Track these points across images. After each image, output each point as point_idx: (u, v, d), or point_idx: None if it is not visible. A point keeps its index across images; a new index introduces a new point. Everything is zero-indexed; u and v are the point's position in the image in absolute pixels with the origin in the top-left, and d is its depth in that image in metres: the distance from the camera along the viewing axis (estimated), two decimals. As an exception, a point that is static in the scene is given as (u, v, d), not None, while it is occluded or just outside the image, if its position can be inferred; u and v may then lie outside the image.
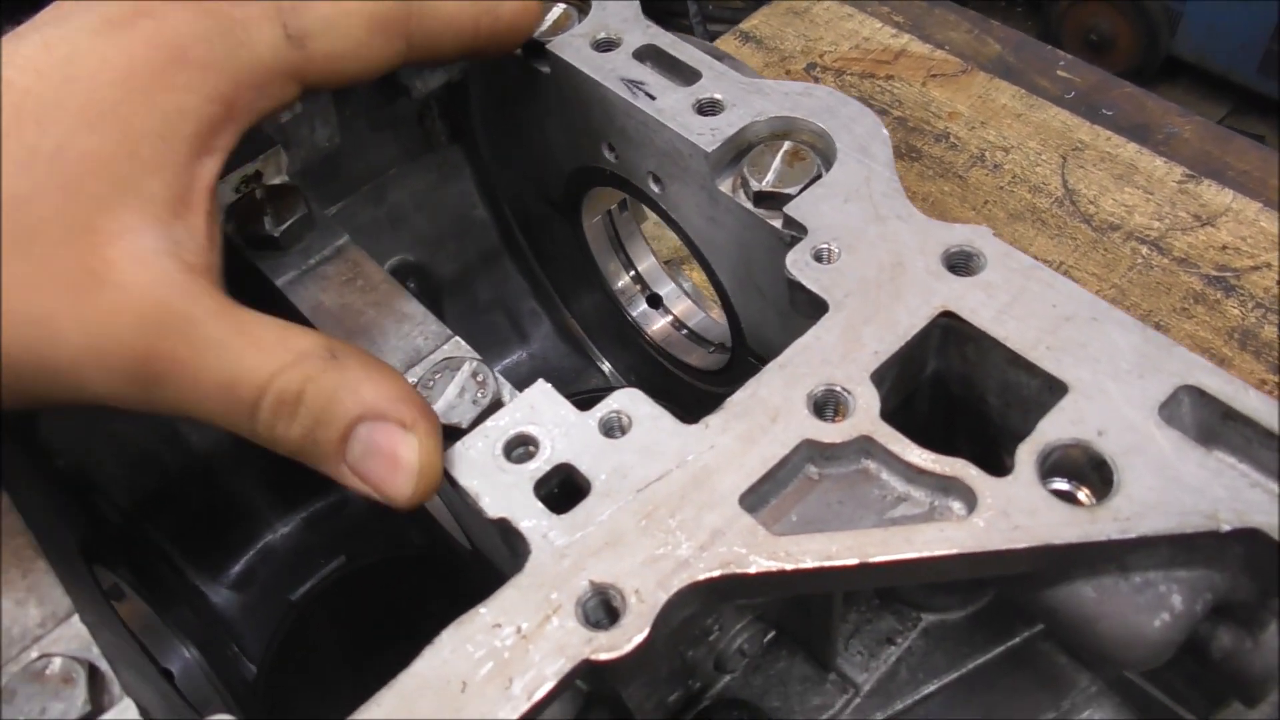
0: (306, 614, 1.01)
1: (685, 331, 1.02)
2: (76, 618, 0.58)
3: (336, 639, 1.05)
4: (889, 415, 0.61)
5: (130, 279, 0.54)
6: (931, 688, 0.69)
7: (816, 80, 1.77)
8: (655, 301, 1.04)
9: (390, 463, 0.58)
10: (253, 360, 0.56)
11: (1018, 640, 0.69)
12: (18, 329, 0.53)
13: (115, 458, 0.97)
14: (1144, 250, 1.48)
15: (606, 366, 1.14)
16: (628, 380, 1.13)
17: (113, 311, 0.54)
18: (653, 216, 0.87)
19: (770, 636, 0.70)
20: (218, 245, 0.61)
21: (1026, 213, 1.56)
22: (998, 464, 0.62)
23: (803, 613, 0.67)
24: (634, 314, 1.03)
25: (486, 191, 1.11)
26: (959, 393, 0.66)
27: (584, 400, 1.02)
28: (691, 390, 1.01)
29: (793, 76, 1.79)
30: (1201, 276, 1.45)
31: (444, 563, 1.03)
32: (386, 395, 0.58)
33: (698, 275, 1.04)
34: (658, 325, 1.03)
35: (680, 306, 1.03)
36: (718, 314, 1.01)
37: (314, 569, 1.05)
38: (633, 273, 1.03)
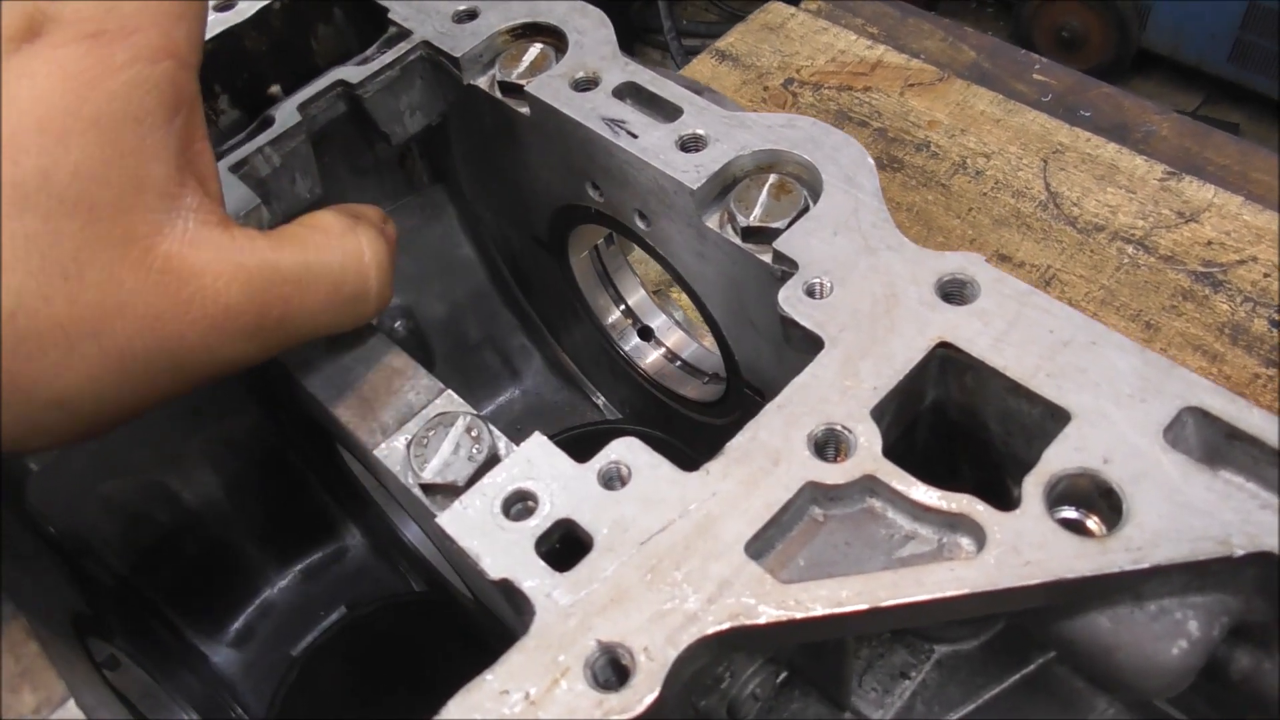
0: (310, 668, 1.00)
1: (679, 363, 1.02)
2: (72, 702, 0.57)
3: (342, 691, 1.03)
4: (890, 447, 0.60)
5: (197, 263, 0.57)
6: (948, 720, 0.68)
7: (795, 96, 1.77)
8: (647, 334, 1.03)
9: (392, 244, 0.72)
10: (337, 255, 0.64)
11: (1033, 667, 0.68)
12: (151, 356, 0.56)
13: (107, 520, 0.96)
14: (1130, 250, 1.48)
15: (601, 400, 1.14)
16: (623, 414, 1.12)
17: (204, 299, 0.57)
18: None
19: (783, 678, 0.69)
20: (219, 182, 0.64)
21: (1011, 218, 1.56)
22: (1003, 491, 0.61)
23: (815, 653, 0.66)
24: (626, 348, 1.02)
25: (471, 230, 1.10)
26: (960, 421, 0.65)
27: (580, 436, 1.02)
28: (688, 421, 1.00)
29: (770, 93, 1.79)
30: (1189, 273, 1.45)
31: (446, 607, 1.02)
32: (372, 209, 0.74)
33: (687, 302, 1.04)
34: (651, 358, 1.02)
35: (673, 338, 1.03)
36: (710, 343, 1.00)
37: (315, 621, 1.04)
38: (623, 307, 1.02)
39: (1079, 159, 1.60)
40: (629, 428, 1.07)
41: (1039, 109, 1.69)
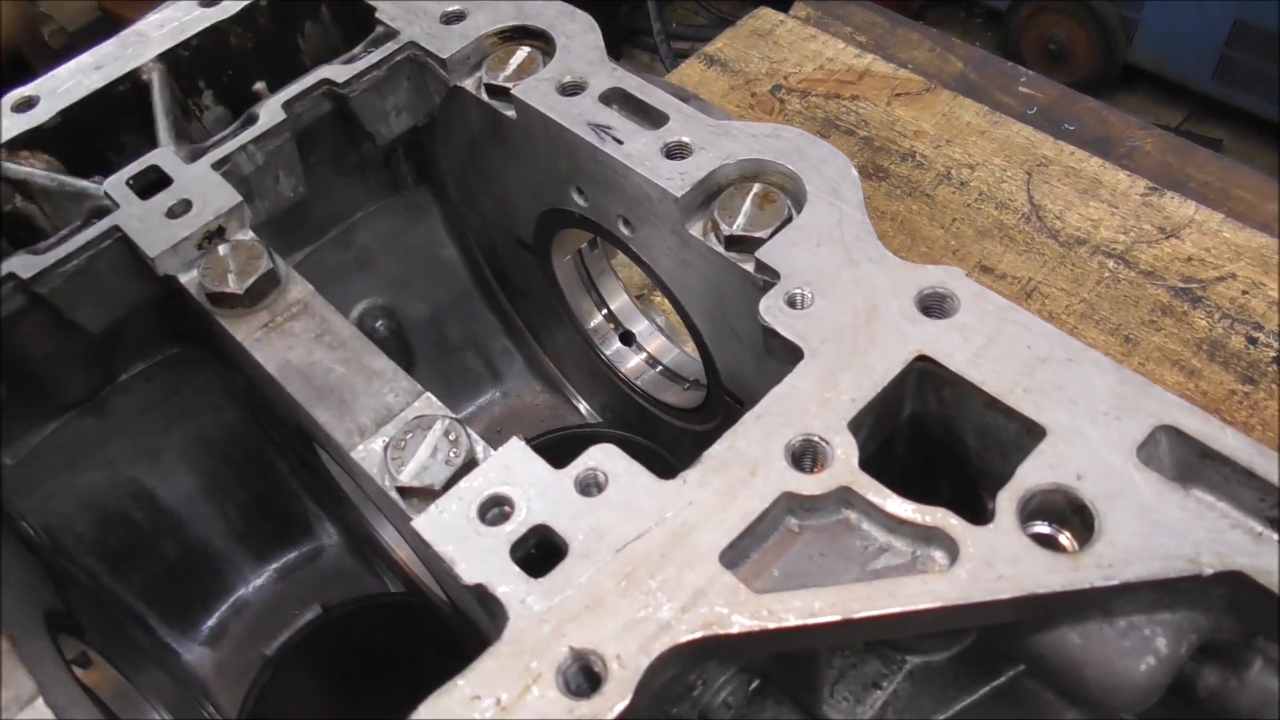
0: (282, 668, 0.99)
1: (660, 369, 1.02)
2: (40, 700, 0.57)
3: (315, 692, 1.02)
4: (868, 459, 0.60)
5: None
6: (920, 731, 0.68)
7: (782, 102, 1.78)
8: (628, 339, 1.03)
9: None
10: None
11: (1003, 679, 0.68)
12: None
13: (83, 517, 0.95)
14: (1110, 264, 1.49)
15: (583, 405, 1.13)
16: (603, 418, 1.12)
17: None
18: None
19: (755, 685, 0.69)
20: None
21: (994, 229, 1.57)
22: (978, 504, 0.61)
23: (788, 662, 0.66)
24: (608, 353, 1.02)
25: (455, 231, 1.10)
26: (937, 434, 0.65)
27: (560, 439, 1.01)
28: (669, 428, 1.00)
29: (758, 99, 1.79)
30: (1168, 289, 1.46)
31: (422, 609, 1.01)
32: None
33: (669, 307, 1.04)
34: (632, 363, 1.02)
35: (654, 344, 1.03)
36: (691, 349, 1.00)
37: (288, 621, 1.03)
38: (605, 311, 1.02)
39: (1062, 172, 1.61)
40: (610, 432, 1.07)
41: (1024, 122, 1.70)
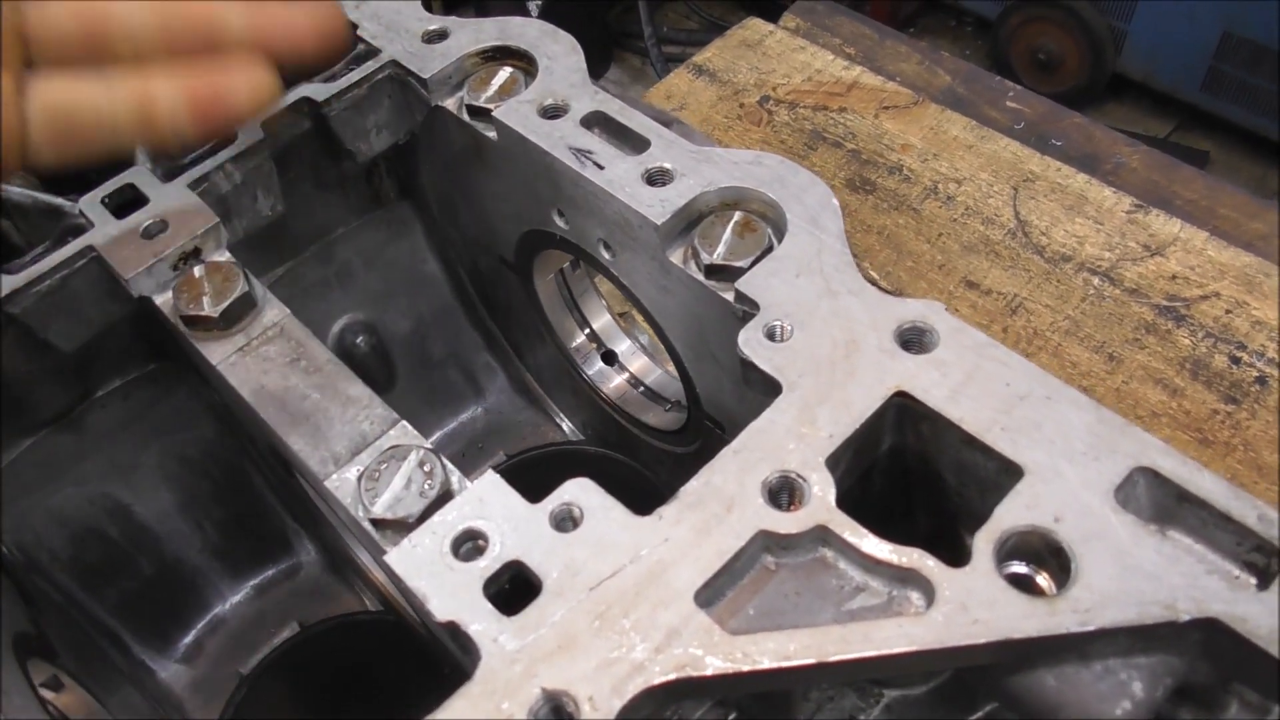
0: (259, 686, 0.98)
1: (642, 389, 1.01)
2: (6, 734, 0.56)
3: (291, 710, 1.02)
4: (845, 493, 0.60)
5: None
6: (896, 765, 0.68)
7: (770, 114, 1.77)
8: (610, 359, 1.02)
9: None
10: None
11: (980, 715, 0.68)
12: None
13: (57, 534, 0.94)
14: (1095, 281, 1.49)
15: (565, 423, 1.13)
16: (585, 435, 1.11)
17: None
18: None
19: (732, 719, 0.69)
20: None
21: (980, 245, 1.57)
22: (957, 539, 0.61)
23: (765, 698, 0.66)
24: (590, 372, 1.02)
25: (437, 247, 1.09)
26: (916, 468, 0.65)
27: (541, 456, 1.01)
28: (651, 448, 1.00)
29: (746, 110, 1.79)
30: (1152, 307, 1.46)
31: (399, 628, 1.01)
32: None
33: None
34: (614, 383, 1.02)
35: (636, 364, 1.02)
36: (674, 370, 1.00)
37: (265, 638, 1.02)
38: (587, 331, 1.02)
39: (1049, 188, 1.61)
40: (593, 450, 1.07)
41: (1011, 136, 1.70)
